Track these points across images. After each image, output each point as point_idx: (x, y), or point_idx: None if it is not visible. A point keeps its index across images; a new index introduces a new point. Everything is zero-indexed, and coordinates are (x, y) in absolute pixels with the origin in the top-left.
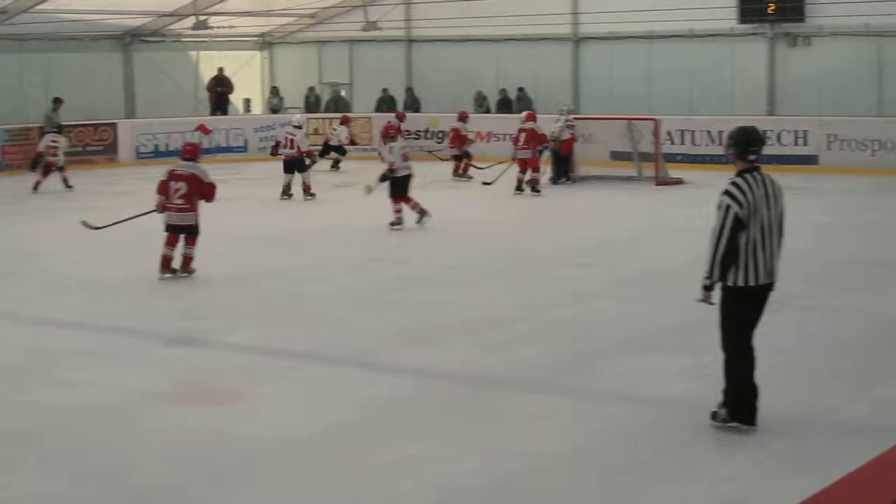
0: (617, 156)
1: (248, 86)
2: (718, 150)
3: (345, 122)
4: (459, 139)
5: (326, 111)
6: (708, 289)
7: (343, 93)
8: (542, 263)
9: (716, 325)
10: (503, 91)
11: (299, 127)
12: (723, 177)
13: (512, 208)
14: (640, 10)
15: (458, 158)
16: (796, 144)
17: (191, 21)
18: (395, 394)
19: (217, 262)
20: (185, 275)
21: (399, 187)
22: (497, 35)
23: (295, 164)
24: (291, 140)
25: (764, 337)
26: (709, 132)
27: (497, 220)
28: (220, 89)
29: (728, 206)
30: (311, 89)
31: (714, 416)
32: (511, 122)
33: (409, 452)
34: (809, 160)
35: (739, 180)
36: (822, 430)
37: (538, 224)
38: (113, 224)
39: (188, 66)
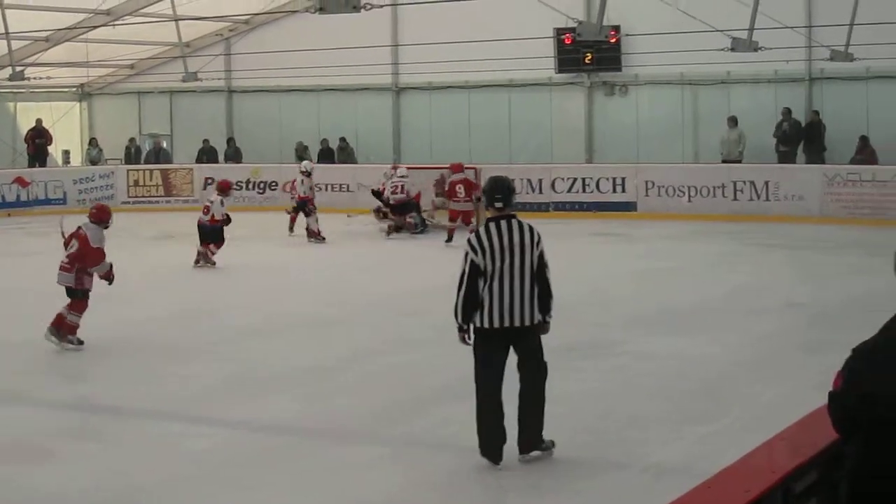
0: (439, 205)
1: (67, 137)
2: (539, 198)
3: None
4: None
5: (147, 162)
6: (459, 330)
7: (164, 144)
8: (369, 312)
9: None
10: (324, 141)
11: (308, 174)
12: (541, 225)
13: (343, 256)
14: (459, 60)
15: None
16: (615, 191)
17: (7, 72)
18: (216, 447)
19: (36, 316)
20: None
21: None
22: (317, 85)
23: (300, 209)
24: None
25: (580, 383)
26: (528, 181)
27: (323, 267)
28: (38, 140)
29: (466, 254)
30: (132, 140)
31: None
32: (333, 173)
33: None
34: (627, 207)
35: (482, 229)
36: (637, 473)
37: (366, 272)
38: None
39: (6, 117)
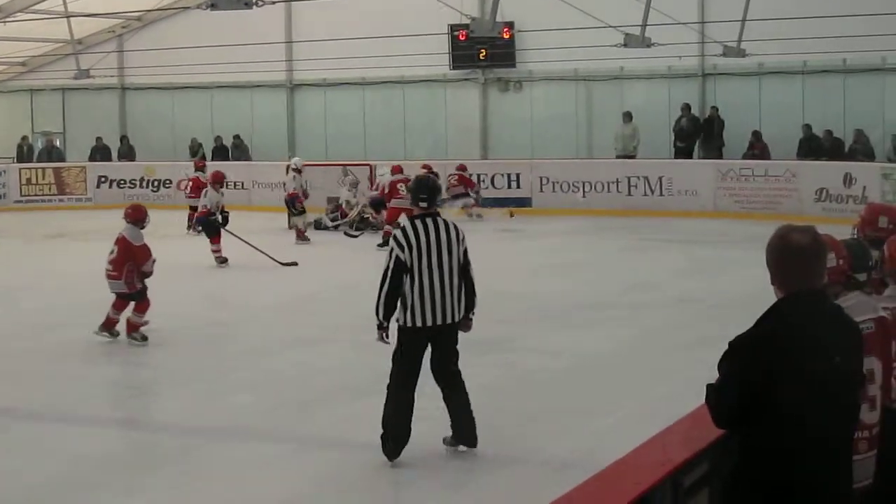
0: (333, 202)
1: None
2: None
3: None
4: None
5: (39, 160)
6: (379, 327)
7: (57, 142)
8: (268, 311)
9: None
10: (219, 138)
11: (299, 170)
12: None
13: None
14: (354, 57)
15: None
16: (509, 187)
17: None
18: (105, 449)
19: None
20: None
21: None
22: (211, 82)
23: (288, 205)
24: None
25: (476, 377)
26: None
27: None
28: None
29: (391, 250)
30: (25, 138)
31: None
32: (228, 170)
33: None
34: (523, 202)
35: (408, 225)
36: (534, 467)
37: (260, 270)
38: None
39: None
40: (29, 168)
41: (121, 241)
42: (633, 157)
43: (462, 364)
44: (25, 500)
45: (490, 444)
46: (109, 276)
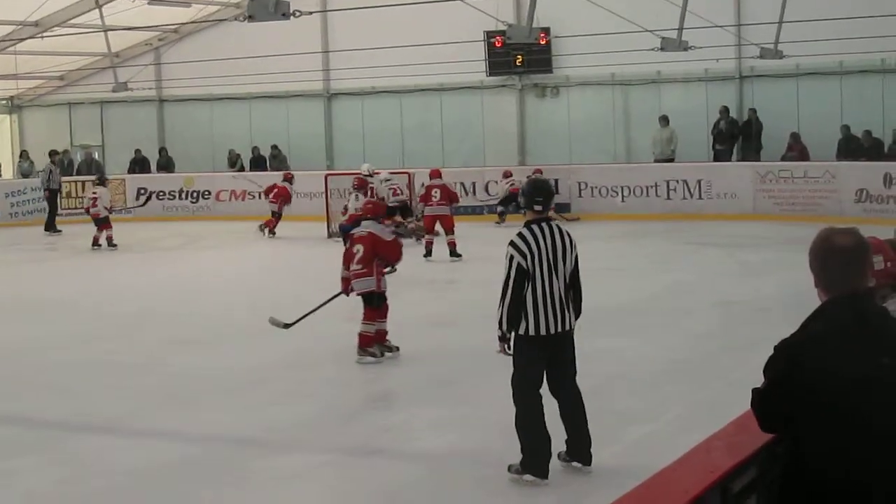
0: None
1: None
2: (472, 201)
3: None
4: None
5: (79, 173)
6: (501, 339)
7: (96, 155)
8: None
9: (468, 373)
10: (255, 149)
11: (370, 175)
12: (476, 227)
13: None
14: (390, 66)
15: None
16: None
17: None
18: (149, 460)
19: None
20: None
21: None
22: (249, 93)
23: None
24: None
25: None
26: (462, 184)
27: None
28: None
29: (512, 257)
30: (65, 152)
31: (510, 467)
32: (266, 179)
33: None
34: (561, 209)
35: (525, 231)
36: (577, 475)
37: (299, 277)
38: (302, 318)
39: None
40: (69, 181)
41: (368, 238)
42: (671, 160)
43: (505, 374)
44: None
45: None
46: (357, 276)
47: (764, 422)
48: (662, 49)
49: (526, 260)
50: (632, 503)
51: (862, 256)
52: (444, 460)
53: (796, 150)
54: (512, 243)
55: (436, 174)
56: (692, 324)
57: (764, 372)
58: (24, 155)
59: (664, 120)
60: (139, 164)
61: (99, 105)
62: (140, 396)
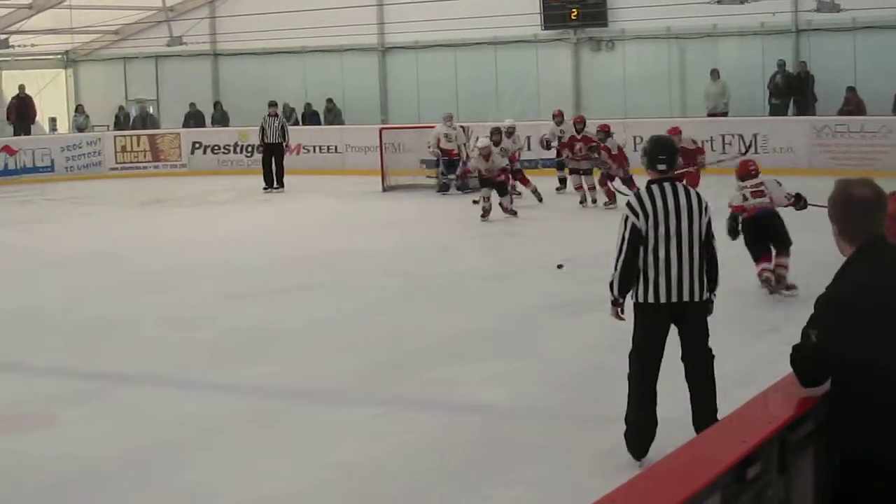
0: (427, 164)
1: (54, 104)
2: (528, 154)
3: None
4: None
5: (134, 128)
6: (614, 303)
7: (151, 109)
8: (354, 273)
9: (523, 328)
10: (308, 105)
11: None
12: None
13: (325, 215)
14: (445, 19)
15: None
16: None
17: None
18: (207, 411)
19: (23, 286)
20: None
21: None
22: (303, 47)
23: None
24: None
25: (563, 341)
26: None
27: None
28: (22, 109)
29: (626, 218)
30: (121, 108)
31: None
32: (321, 134)
33: (222, 470)
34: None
35: (643, 191)
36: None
37: (352, 232)
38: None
39: None
40: (124, 135)
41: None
42: (724, 114)
43: (551, 326)
44: (128, 463)
45: (586, 400)
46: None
47: (802, 377)
48: (719, 2)
49: (640, 220)
50: (689, 454)
51: (882, 205)
52: (498, 414)
53: (852, 104)
54: (628, 203)
55: (581, 120)
56: (752, 276)
57: (808, 327)
58: (79, 109)
59: (715, 74)
60: (194, 118)
61: (154, 60)
62: (193, 349)
